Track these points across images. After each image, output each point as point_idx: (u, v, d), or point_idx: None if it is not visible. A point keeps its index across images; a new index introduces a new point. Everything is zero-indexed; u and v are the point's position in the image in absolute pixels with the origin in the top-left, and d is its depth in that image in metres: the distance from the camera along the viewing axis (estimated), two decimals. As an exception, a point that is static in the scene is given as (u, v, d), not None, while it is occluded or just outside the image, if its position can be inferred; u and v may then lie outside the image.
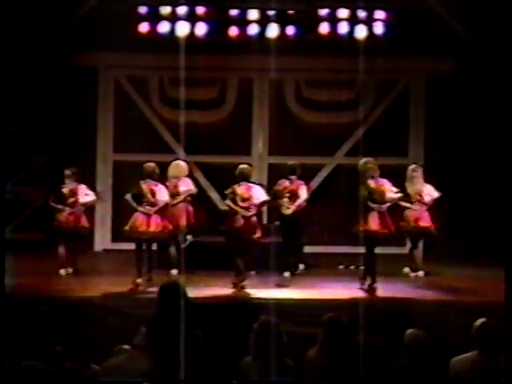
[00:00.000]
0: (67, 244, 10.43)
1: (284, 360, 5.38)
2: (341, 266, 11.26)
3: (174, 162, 10.71)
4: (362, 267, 10.80)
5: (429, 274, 10.52)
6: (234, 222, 9.50)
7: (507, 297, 6.27)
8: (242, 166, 9.80)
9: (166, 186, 10.04)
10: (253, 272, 10.08)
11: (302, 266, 10.75)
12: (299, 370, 5.51)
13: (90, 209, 11.16)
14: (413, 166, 10.70)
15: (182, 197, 10.39)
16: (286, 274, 10.17)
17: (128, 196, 9.78)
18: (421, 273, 10.50)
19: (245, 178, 9.67)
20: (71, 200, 10.45)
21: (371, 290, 9.36)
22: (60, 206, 10.41)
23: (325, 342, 5.66)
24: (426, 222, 10.37)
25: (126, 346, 5.58)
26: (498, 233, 10.83)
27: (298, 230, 10.44)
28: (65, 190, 10.50)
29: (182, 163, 10.73)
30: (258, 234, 9.52)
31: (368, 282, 9.48)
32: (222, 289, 9.28)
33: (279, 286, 9.52)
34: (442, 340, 6.81)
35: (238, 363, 5.46)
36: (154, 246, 10.65)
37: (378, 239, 9.55)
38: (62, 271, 10.31)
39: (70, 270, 10.40)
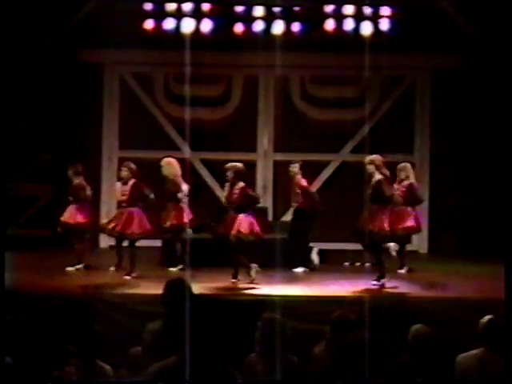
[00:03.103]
0: (81, 240, 10.50)
1: (289, 357, 5.37)
2: (346, 263, 11.25)
3: (166, 160, 10.57)
4: (367, 264, 10.84)
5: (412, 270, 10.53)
6: (224, 220, 9.60)
7: (507, 294, 6.26)
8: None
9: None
10: (255, 265, 10.04)
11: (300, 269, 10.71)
12: (304, 367, 5.50)
13: (96, 205, 11.19)
14: (400, 166, 10.62)
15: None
16: (299, 269, 10.32)
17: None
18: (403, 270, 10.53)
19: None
20: (79, 195, 10.50)
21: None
22: (76, 180, 10.43)
23: (332, 339, 5.65)
24: (408, 222, 10.38)
25: (139, 348, 5.56)
26: (501, 230, 10.81)
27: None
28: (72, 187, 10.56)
29: (174, 161, 10.63)
30: (243, 230, 9.51)
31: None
32: (225, 285, 9.30)
33: (288, 281, 9.53)
34: (447, 336, 6.80)
35: (243, 360, 5.45)
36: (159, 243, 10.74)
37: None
38: (78, 266, 10.35)
39: (80, 266, 10.44)
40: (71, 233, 10.52)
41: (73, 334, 5.82)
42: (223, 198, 9.95)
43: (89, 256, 10.78)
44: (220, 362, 4.12)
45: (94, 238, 12.22)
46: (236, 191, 9.60)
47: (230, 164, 9.84)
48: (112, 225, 10.01)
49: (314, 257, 10.87)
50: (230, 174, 9.66)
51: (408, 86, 13.21)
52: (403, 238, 10.36)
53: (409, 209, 10.43)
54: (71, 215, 10.47)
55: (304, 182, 10.69)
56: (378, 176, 9.47)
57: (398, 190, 10.31)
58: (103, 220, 12.36)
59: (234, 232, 9.41)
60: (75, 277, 9.98)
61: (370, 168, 9.51)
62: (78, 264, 10.37)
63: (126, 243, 10.20)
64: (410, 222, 10.39)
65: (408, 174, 10.57)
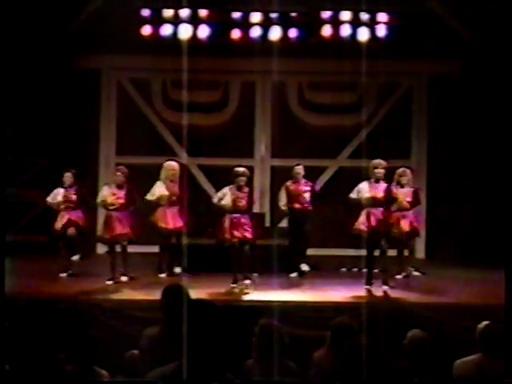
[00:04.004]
0: (69, 247, 10.48)
1: (286, 362, 5.37)
2: (343, 269, 11.25)
3: (169, 164, 10.54)
4: (364, 270, 10.85)
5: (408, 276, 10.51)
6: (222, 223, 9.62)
7: (507, 299, 6.26)
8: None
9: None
10: (255, 274, 10.08)
11: (305, 267, 10.70)
12: (302, 373, 5.50)
13: (92, 211, 11.18)
14: (400, 170, 10.58)
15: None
16: (293, 274, 10.31)
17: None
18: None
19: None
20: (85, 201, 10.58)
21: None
22: (74, 185, 10.50)
23: (332, 344, 5.64)
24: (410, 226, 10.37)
25: (135, 351, 5.58)
26: (498, 235, 10.82)
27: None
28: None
29: (176, 165, 10.59)
30: (247, 235, 9.55)
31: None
32: (222, 291, 9.30)
33: (286, 287, 9.53)
34: (443, 341, 6.80)
35: (241, 366, 5.44)
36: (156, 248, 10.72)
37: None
38: (64, 274, 10.34)
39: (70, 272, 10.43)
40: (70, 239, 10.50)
41: (70, 340, 5.81)
42: (227, 202, 9.75)
43: (85, 262, 10.79)
44: (217, 367, 4.11)
45: (91, 244, 12.24)
46: (244, 195, 9.67)
47: (241, 169, 9.81)
48: (110, 232, 9.96)
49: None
50: (244, 179, 9.69)
51: (405, 91, 13.23)
52: (405, 242, 10.42)
53: (411, 212, 10.41)
54: (75, 220, 10.46)
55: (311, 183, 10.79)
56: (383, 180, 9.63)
57: (403, 194, 10.26)
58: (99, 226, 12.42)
59: (239, 235, 9.48)
60: (72, 283, 9.97)
61: (380, 172, 9.57)
62: (70, 270, 10.39)
63: (118, 249, 10.21)
64: (413, 225, 10.39)
65: (409, 178, 10.54)
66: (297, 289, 9.65)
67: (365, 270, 10.04)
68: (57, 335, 7.44)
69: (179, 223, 10.26)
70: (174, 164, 10.51)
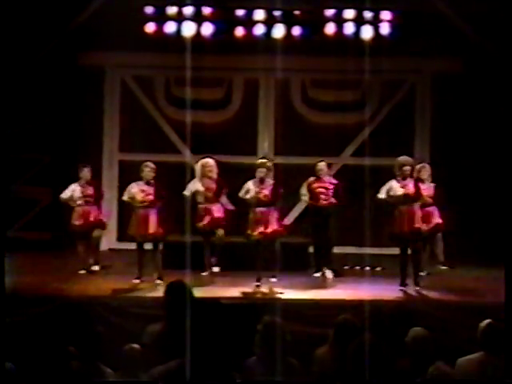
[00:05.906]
0: (86, 242, 10.46)
1: (288, 360, 5.38)
2: (346, 267, 11.25)
3: (206, 161, 10.37)
4: (367, 268, 10.86)
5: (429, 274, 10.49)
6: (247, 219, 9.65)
7: (507, 297, 6.27)
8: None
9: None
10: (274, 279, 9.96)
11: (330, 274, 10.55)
12: (304, 370, 5.51)
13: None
14: (419, 166, 10.56)
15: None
16: (329, 274, 10.22)
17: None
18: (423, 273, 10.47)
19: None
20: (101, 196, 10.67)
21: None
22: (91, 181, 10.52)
23: (335, 342, 5.65)
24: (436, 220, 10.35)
25: (136, 345, 5.60)
26: (501, 233, 10.82)
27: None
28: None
29: (212, 161, 10.41)
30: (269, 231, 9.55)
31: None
32: (229, 288, 9.31)
33: (289, 285, 9.51)
34: (445, 340, 6.81)
35: (243, 363, 5.45)
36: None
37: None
38: (82, 271, 10.30)
39: (96, 267, 10.40)
40: (85, 234, 10.47)
41: (74, 336, 5.83)
42: (251, 197, 9.75)
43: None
44: (219, 364, 4.13)
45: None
46: (266, 187, 9.69)
47: (260, 160, 9.87)
48: (141, 230, 9.79)
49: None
50: (263, 170, 9.75)
51: (408, 89, 13.23)
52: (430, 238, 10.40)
53: (434, 208, 10.37)
54: (93, 216, 10.45)
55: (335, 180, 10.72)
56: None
57: (425, 189, 10.12)
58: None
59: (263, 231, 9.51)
60: (76, 279, 9.98)
61: (408, 169, 9.56)
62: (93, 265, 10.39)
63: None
64: (438, 220, 10.36)
65: (429, 174, 10.50)
66: (299, 287, 9.64)
67: (365, 269, 10.08)
68: (61, 332, 7.47)
69: (217, 221, 10.04)
70: (210, 161, 10.35)
